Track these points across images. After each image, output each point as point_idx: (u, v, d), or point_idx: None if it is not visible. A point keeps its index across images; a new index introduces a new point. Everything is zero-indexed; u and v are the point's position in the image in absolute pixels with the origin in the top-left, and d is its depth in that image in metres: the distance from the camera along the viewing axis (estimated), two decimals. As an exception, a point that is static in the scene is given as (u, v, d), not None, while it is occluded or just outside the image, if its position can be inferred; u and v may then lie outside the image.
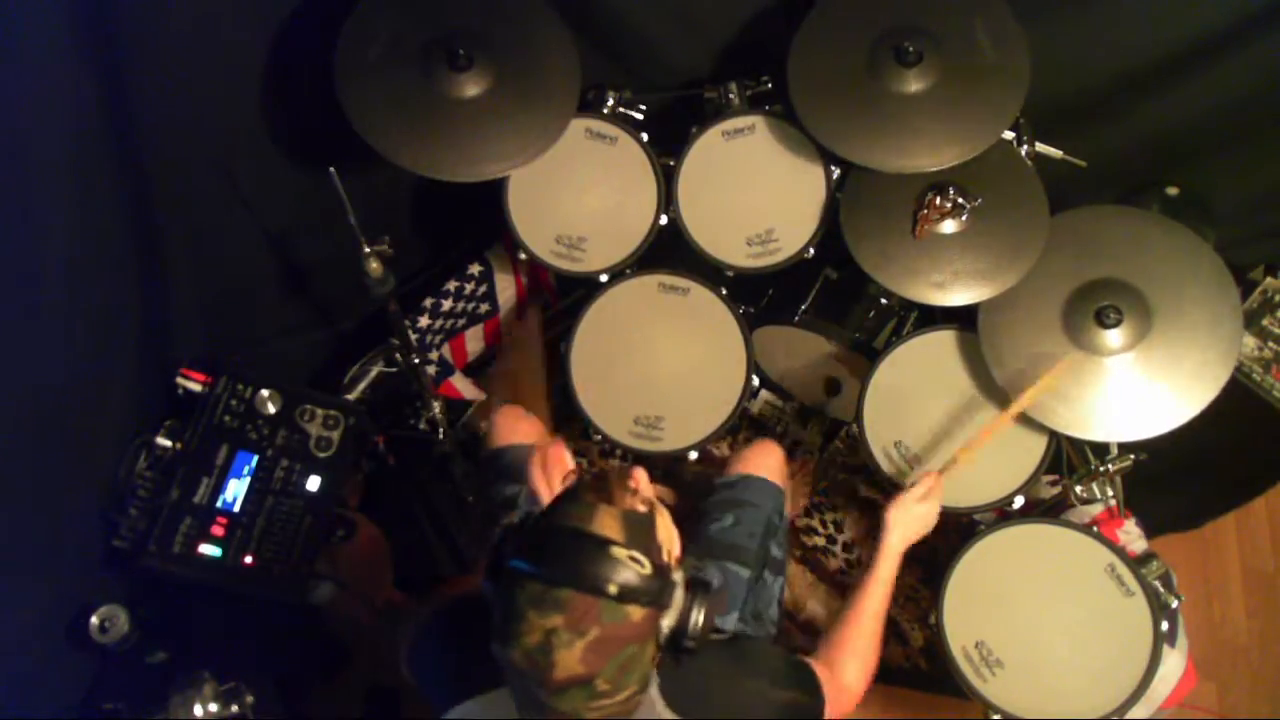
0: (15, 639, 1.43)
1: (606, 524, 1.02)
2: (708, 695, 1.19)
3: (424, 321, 2.27)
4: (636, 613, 0.99)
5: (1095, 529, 1.76)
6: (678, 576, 1.05)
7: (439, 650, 1.28)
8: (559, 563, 0.99)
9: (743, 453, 1.88)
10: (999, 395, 1.78)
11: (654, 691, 1.13)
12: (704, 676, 1.18)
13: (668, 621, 1.03)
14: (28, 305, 1.38)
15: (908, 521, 1.62)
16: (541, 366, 2.40)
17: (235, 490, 1.69)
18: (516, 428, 1.84)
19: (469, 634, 1.25)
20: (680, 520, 1.14)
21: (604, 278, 2.00)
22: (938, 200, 1.76)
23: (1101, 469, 1.75)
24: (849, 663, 1.47)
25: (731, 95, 1.98)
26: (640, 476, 1.15)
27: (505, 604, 1.01)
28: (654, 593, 1.01)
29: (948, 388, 1.87)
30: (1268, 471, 2.12)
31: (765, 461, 1.83)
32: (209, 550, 1.63)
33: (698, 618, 1.04)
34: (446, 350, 2.39)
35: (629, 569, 0.99)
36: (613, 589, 0.98)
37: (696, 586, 1.06)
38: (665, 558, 1.05)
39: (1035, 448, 1.82)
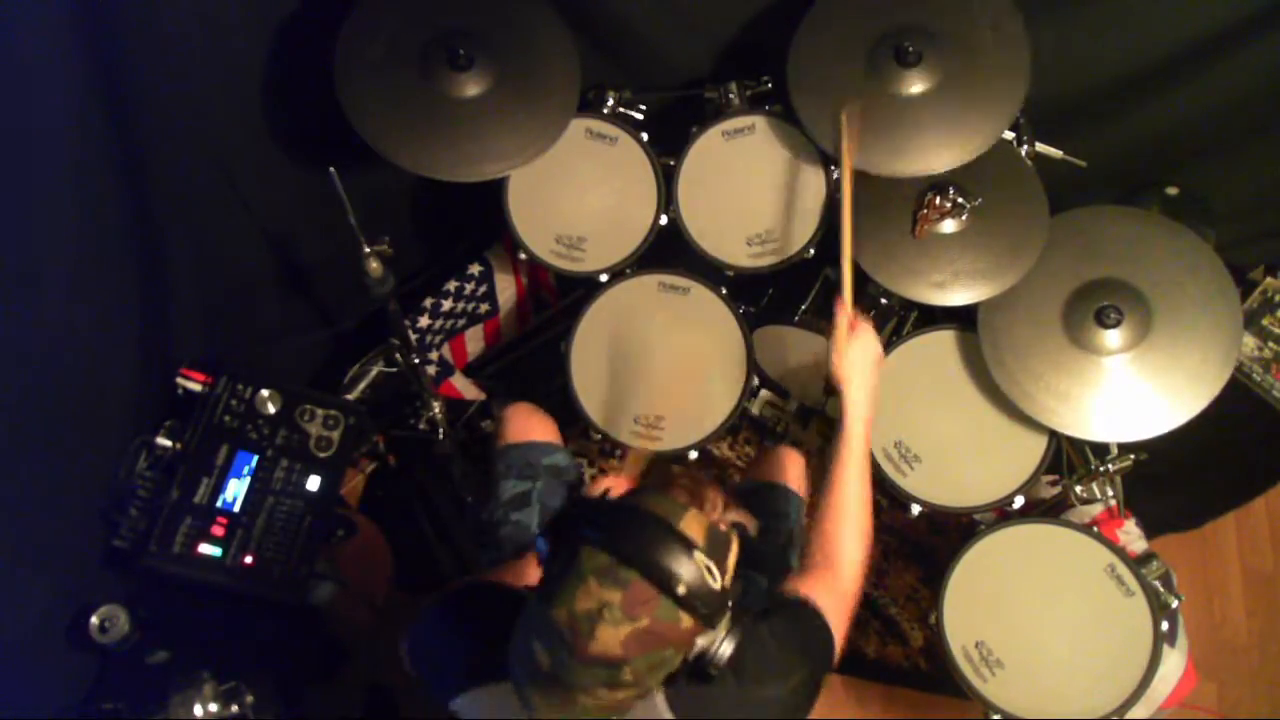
0: (15, 639, 1.43)
1: (693, 527, 1.02)
2: (717, 707, 1.17)
3: (424, 321, 2.27)
4: (687, 620, 0.99)
5: (1095, 529, 1.76)
6: (730, 603, 1.05)
7: (442, 640, 1.27)
8: (639, 544, 0.99)
9: (770, 459, 1.86)
10: (999, 395, 1.78)
11: (658, 695, 1.13)
12: (706, 686, 1.17)
13: (703, 642, 1.03)
14: (28, 305, 1.38)
15: (857, 366, 1.48)
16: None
17: (235, 490, 1.69)
18: (529, 425, 1.83)
19: (473, 624, 1.25)
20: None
21: (604, 278, 2.00)
22: (938, 200, 1.77)
23: (1101, 469, 1.75)
24: (845, 551, 1.38)
25: (731, 95, 1.98)
26: (721, 499, 1.14)
27: (567, 565, 0.99)
28: (712, 610, 1.00)
29: (948, 388, 1.87)
30: (1268, 471, 2.12)
31: (793, 470, 1.82)
32: (209, 550, 1.63)
33: (727, 648, 1.04)
34: (446, 350, 2.39)
35: (703, 579, 0.99)
36: (681, 589, 0.98)
37: (739, 616, 1.05)
38: (729, 582, 1.04)
39: (1035, 448, 1.82)
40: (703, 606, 0.99)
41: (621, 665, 0.97)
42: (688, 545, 1.00)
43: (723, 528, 1.06)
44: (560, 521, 1.07)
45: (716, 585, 1.00)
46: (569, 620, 0.97)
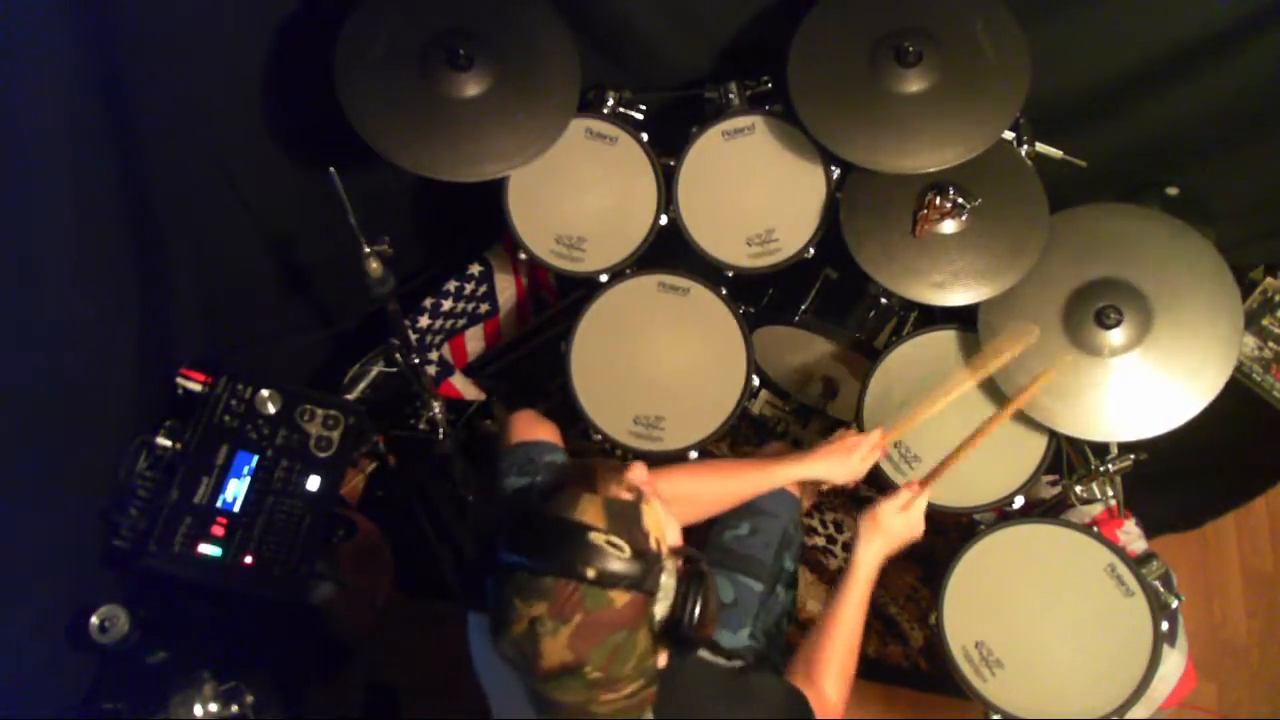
0: (15, 639, 1.43)
1: (588, 511, 1.04)
2: (698, 695, 1.18)
3: (424, 321, 2.27)
4: (620, 598, 1.00)
5: (1095, 529, 1.76)
6: (668, 564, 1.06)
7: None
8: (540, 551, 1.01)
9: (758, 458, 1.86)
10: (999, 395, 1.78)
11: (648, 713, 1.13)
12: (702, 702, 1.18)
13: (660, 609, 1.04)
14: (28, 305, 1.38)
15: (885, 534, 1.56)
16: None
17: (235, 490, 1.69)
18: (533, 428, 1.84)
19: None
20: (693, 526, 1.14)
21: (604, 278, 2.00)
22: (938, 200, 1.76)
23: (1101, 469, 1.75)
24: (829, 678, 1.43)
25: (731, 95, 1.98)
26: (636, 467, 1.16)
27: (497, 596, 1.02)
28: (636, 577, 1.01)
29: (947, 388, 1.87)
30: (1268, 471, 2.12)
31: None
32: (209, 550, 1.63)
33: (693, 606, 1.04)
34: (446, 350, 2.39)
35: (607, 554, 1.00)
36: (591, 573, 0.99)
37: (693, 575, 1.06)
38: (653, 544, 1.06)
39: (1035, 448, 1.82)
40: (624, 579, 1.00)
41: (582, 667, 0.98)
42: (583, 529, 1.01)
43: (626, 495, 1.07)
44: (486, 554, 1.09)
45: (626, 553, 1.01)
46: (514, 649, 1.00)
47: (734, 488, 1.58)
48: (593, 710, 1.02)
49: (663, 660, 1.08)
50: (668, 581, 1.05)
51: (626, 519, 1.05)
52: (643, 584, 1.02)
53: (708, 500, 1.55)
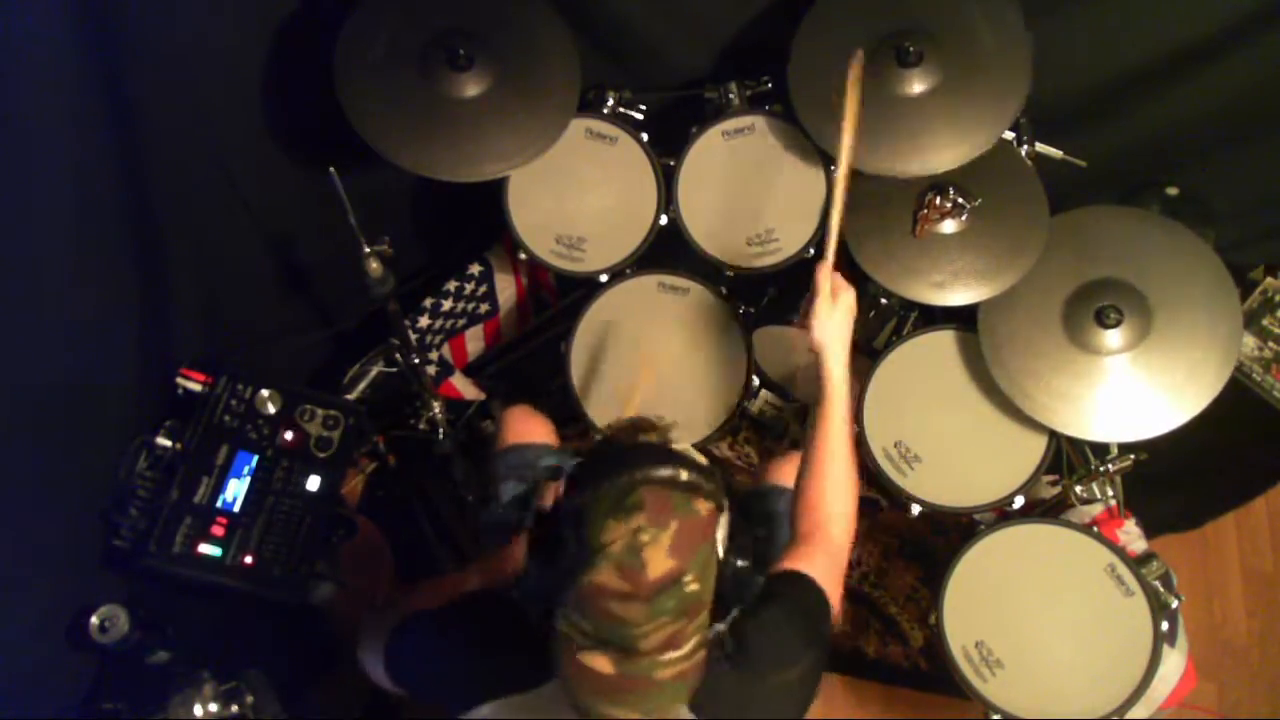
0: (15, 639, 1.43)
1: (653, 435, 1.10)
2: (735, 703, 1.18)
3: (424, 321, 2.27)
4: (703, 506, 1.03)
5: (1095, 529, 1.76)
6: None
7: (445, 655, 1.25)
8: (626, 470, 1.02)
9: (773, 463, 1.86)
10: (999, 395, 1.78)
11: (684, 712, 1.13)
12: (721, 683, 1.16)
13: (721, 533, 1.06)
14: (28, 305, 1.38)
15: (839, 333, 1.45)
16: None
17: (235, 490, 1.69)
18: (528, 427, 1.84)
19: (477, 636, 1.24)
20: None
21: (604, 278, 2.00)
22: (938, 200, 1.77)
23: (1101, 469, 1.75)
24: (833, 509, 1.38)
25: (731, 95, 1.98)
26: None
27: (581, 530, 1.02)
28: (713, 488, 1.05)
29: (948, 388, 1.87)
30: (1268, 471, 2.12)
31: (792, 471, 1.82)
32: (209, 550, 1.63)
33: (743, 545, 1.08)
34: (446, 350, 2.39)
35: (689, 461, 1.04)
36: (684, 475, 1.02)
37: (736, 522, 1.10)
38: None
39: (1035, 448, 1.82)
40: (705, 486, 1.04)
41: (682, 576, 0.99)
42: (660, 445, 1.07)
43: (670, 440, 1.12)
44: (551, 513, 1.09)
45: (703, 459, 1.07)
46: (618, 571, 0.98)
47: (845, 456, 1.45)
48: (656, 675, 1.01)
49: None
50: (724, 518, 1.07)
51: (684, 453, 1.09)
52: (717, 496, 1.05)
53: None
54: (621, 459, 1.05)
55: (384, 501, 2.40)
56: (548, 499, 1.34)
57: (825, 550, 1.35)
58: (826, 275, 1.47)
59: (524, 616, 1.11)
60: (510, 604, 1.26)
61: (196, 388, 1.74)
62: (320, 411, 1.79)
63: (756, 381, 1.98)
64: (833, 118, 1.51)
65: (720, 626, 1.07)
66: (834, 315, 1.46)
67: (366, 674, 1.37)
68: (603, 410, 1.96)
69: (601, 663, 1.01)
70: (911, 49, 1.72)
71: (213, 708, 1.47)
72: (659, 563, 0.98)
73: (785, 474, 1.80)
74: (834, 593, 1.30)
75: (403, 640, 1.30)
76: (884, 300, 2.09)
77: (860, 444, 1.88)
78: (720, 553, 1.06)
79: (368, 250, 1.58)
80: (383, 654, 1.31)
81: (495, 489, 1.76)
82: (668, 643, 1.00)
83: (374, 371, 2.04)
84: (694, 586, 1.00)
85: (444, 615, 1.30)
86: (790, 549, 1.37)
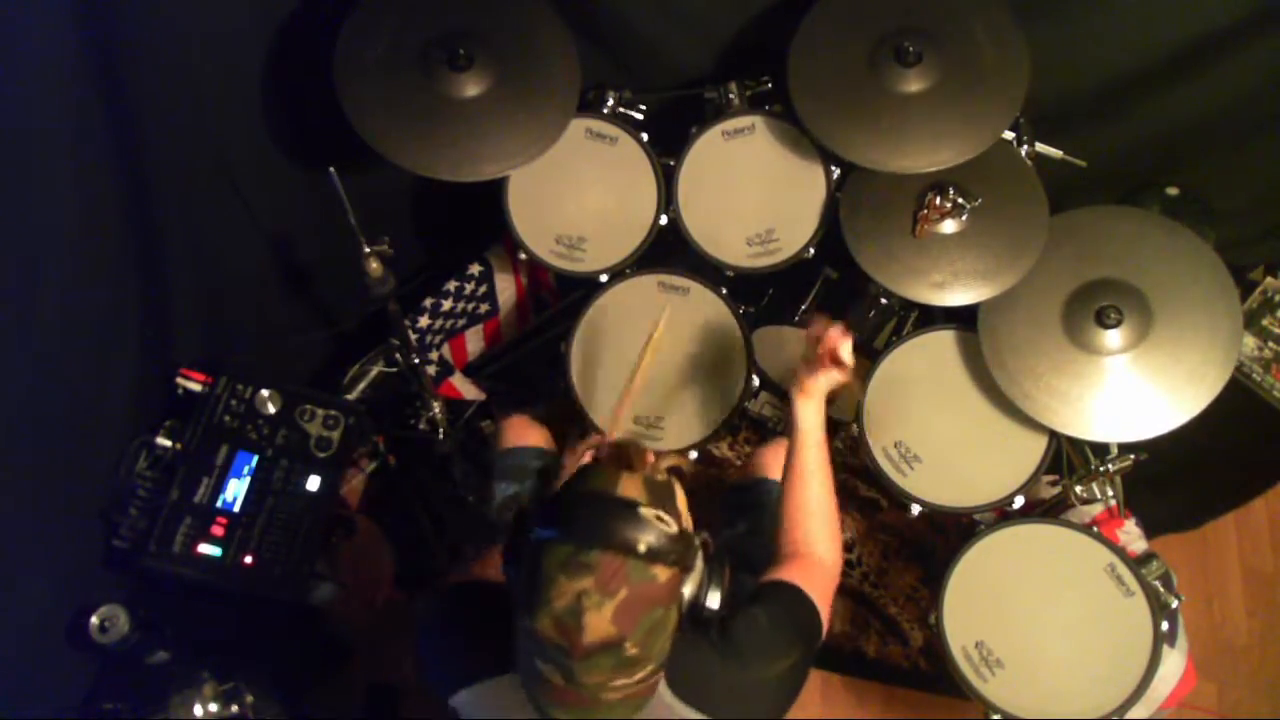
0: (15, 639, 1.43)
1: (630, 488, 1.05)
2: (718, 690, 1.19)
3: (424, 321, 2.27)
4: (663, 573, 1.01)
5: (1095, 529, 1.76)
6: (697, 542, 1.08)
7: (436, 640, 1.28)
8: (587, 526, 1.01)
9: (758, 455, 1.86)
10: (999, 395, 1.78)
11: (663, 688, 1.14)
12: (706, 668, 1.18)
13: (689, 589, 1.05)
14: (28, 305, 1.38)
15: (821, 385, 1.46)
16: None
17: (235, 490, 1.69)
18: (525, 433, 1.85)
19: (463, 623, 1.26)
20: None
21: (604, 278, 2.00)
22: (938, 200, 1.76)
23: (1101, 469, 1.75)
24: (817, 543, 1.40)
25: (731, 95, 1.98)
26: (650, 455, 1.18)
27: (532, 574, 1.01)
28: (679, 553, 1.03)
29: (948, 388, 1.87)
30: (1268, 471, 2.12)
31: (777, 463, 1.82)
32: (209, 550, 1.63)
33: (715, 591, 1.06)
34: (446, 350, 2.39)
35: (655, 528, 1.02)
36: (641, 547, 1.00)
37: (711, 559, 1.09)
38: (686, 524, 1.08)
39: (1035, 448, 1.82)
40: (670, 554, 1.02)
41: (622, 643, 0.98)
42: (632, 505, 1.02)
43: (659, 477, 1.09)
44: (514, 536, 1.08)
45: (673, 529, 1.03)
46: (555, 626, 0.99)
47: (822, 494, 1.47)
48: (603, 696, 1.02)
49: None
50: (698, 562, 1.06)
51: (666, 496, 1.07)
52: (683, 560, 1.04)
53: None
54: (588, 512, 1.03)
55: (384, 501, 2.40)
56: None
57: (812, 568, 1.36)
58: (848, 351, 1.47)
59: (498, 607, 1.11)
60: (487, 594, 1.28)
61: (196, 388, 1.74)
62: (320, 411, 1.79)
63: (756, 381, 1.98)
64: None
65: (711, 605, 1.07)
66: (827, 376, 1.47)
67: None
68: (603, 410, 1.96)
69: (551, 673, 1.02)
70: (911, 48, 1.72)
71: (213, 708, 1.47)
72: (598, 628, 0.97)
73: (771, 466, 1.81)
74: (823, 607, 1.30)
75: (421, 623, 1.32)
76: (884, 300, 2.09)
77: (860, 444, 1.89)
78: (687, 601, 1.05)
79: (368, 250, 1.58)
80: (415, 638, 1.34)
81: (490, 489, 1.77)
82: (609, 681, 1.01)
83: (374, 371, 2.04)
84: (634, 651, 0.99)
85: (434, 605, 1.31)
86: (778, 565, 1.37)
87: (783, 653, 1.23)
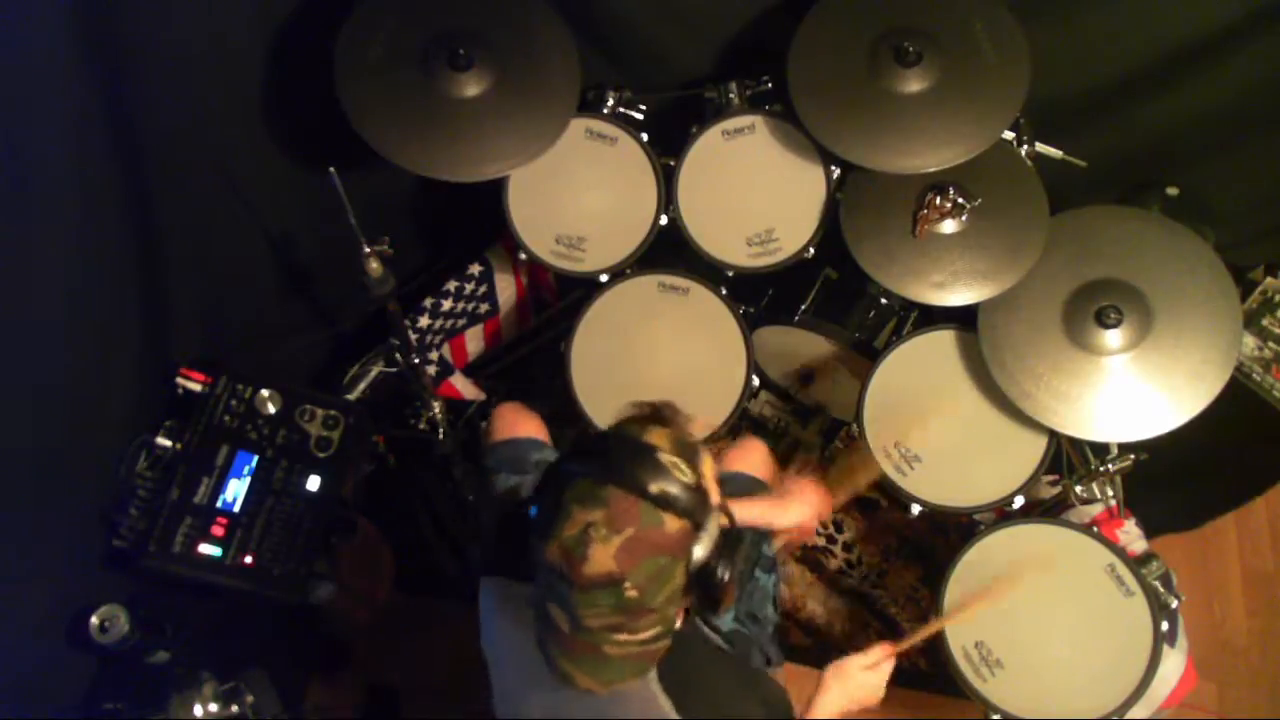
0: (15, 639, 1.43)
1: (657, 437, 1.07)
2: (711, 700, 1.19)
3: (424, 321, 2.26)
4: (673, 523, 1.02)
5: (1095, 529, 1.76)
6: (714, 503, 1.09)
7: (486, 523, 1.32)
8: (606, 462, 1.04)
9: (726, 451, 1.87)
10: (999, 395, 1.78)
11: (656, 688, 1.14)
12: (707, 677, 1.19)
13: (700, 552, 1.06)
14: (28, 305, 1.38)
15: (846, 689, 1.46)
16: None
17: (235, 490, 1.69)
18: (518, 423, 1.84)
19: (502, 522, 1.32)
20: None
21: (604, 278, 2.00)
22: (938, 200, 1.77)
23: (1101, 469, 1.75)
24: None
25: (731, 95, 1.98)
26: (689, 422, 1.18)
27: (551, 502, 1.05)
28: (691, 507, 1.04)
29: (948, 388, 1.87)
30: (1268, 471, 2.12)
31: (749, 458, 1.81)
32: (209, 550, 1.63)
33: (727, 561, 1.08)
34: (446, 350, 2.39)
35: (671, 475, 1.03)
36: (654, 489, 1.02)
37: (729, 535, 1.10)
38: (706, 485, 1.08)
39: (1035, 448, 1.82)
40: (680, 504, 1.03)
41: (621, 581, 1.00)
42: (652, 449, 1.05)
43: (691, 438, 1.11)
44: (544, 475, 1.12)
45: (688, 478, 1.05)
46: (561, 552, 1.01)
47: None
48: (606, 649, 1.03)
49: (680, 618, 1.10)
50: (713, 528, 1.07)
51: (690, 453, 1.08)
52: (694, 515, 1.05)
53: None
54: (610, 447, 1.07)
55: (384, 501, 2.40)
56: None
57: None
58: (886, 652, 1.47)
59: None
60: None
61: (196, 388, 1.74)
62: (320, 411, 1.79)
63: (756, 381, 1.98)
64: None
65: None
66: (857, 678, 1.46)
67: None
68: (603, 410, 1.96)
69: (561, 619, 1.04)
70: (910, 49, 1.72)
71: (213, 708, 1.47)
72: (600, 561, 0.99)
73: (737, 460, 1.80)
74: None
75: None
76: (884, 300, 2.09)
77: (861, 444, 1.88)
78: (700, 557, 1.06)
79: (368, 250, 1.58)
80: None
81: (487, 483, 1.77)
82: (611, 628, 1.02)
83: (374, 371, 2.04)
84: (633, 593, 1.00)
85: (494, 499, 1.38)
86: None
87: (770, 708, 1.26)
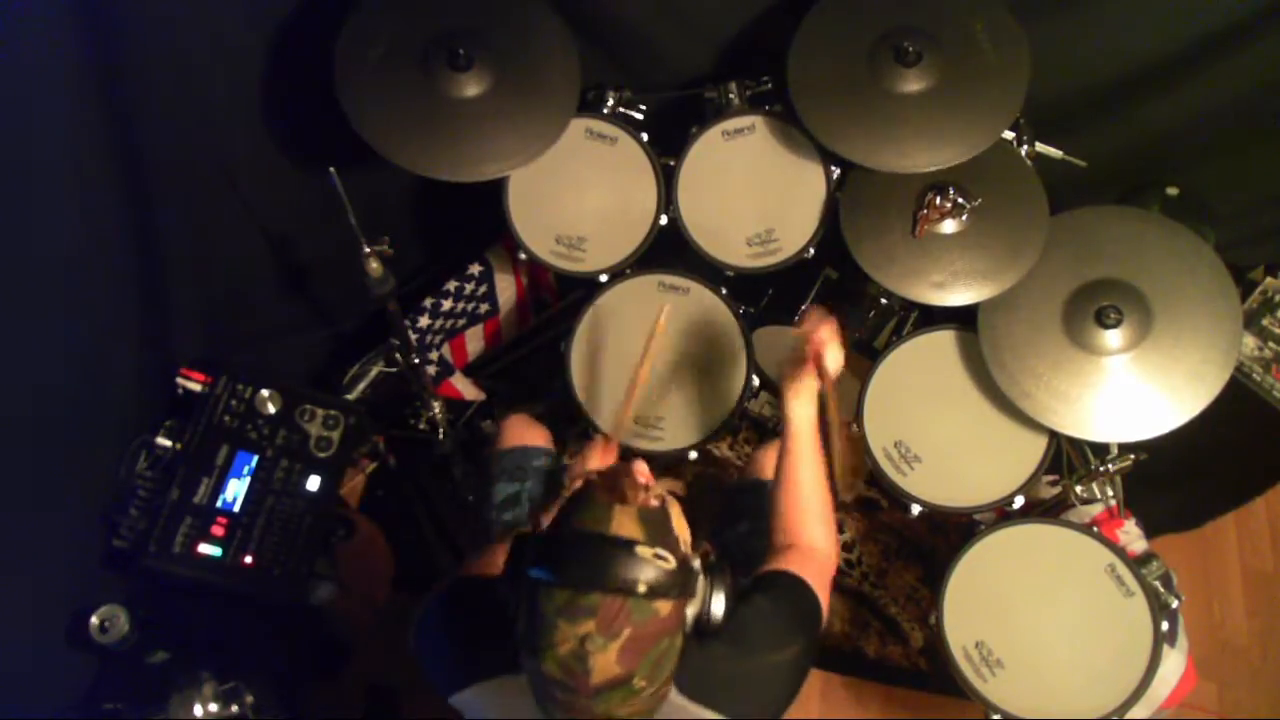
0: (16, 639, 1.43)
1: (625, 525, 1.03)
2: (724, 682, 1.19)
3: (424, 321, 2.27)
4: (665, 607, 1.01)
5: (1095, 529, 1.76)
6: (696, 564, 1.07)
7: (436, 638, 1.28)
8: (585, 569, 1.00)
9: (758, 456, 1.86)
10: (999, 395, 1.78)
11: (683, 700, 1.14)
12: (712, 661, 1.18)
13: (692, 610, 1.06)
14: (28, 305, 1.38)
15: (810, 386, 1.47)
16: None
17: (235, 490, 1.69)
18: (525, 433, 1.85)
19: (464, 622, 1.26)
20: (690, 524, 1.14)
21: (604, 278, 2.00)
22: (938, 200, 1.77)
23: (1101, 469, 1.75)
24: (811, 530, 1.41)
25: (731, 95, 1.98)
26: (642, 468, 1.15)
27: (532, 616, 1.01)
28: (681, 583, 1.03)
29: (948, 388, 1.87)
30: (1268, 471, 2.12)
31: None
32: (209, 550, 1.63)
33: (719, 600, 1.07)
34: (446, 350, 2.39)
35: (654, 566, 1.00)
36: (641, 587, 0.99)
37: (713, 569, 1.09)
38: (683, 548, 1.07)
39: (1035, 448, 1.82)
40: (670, 588, 1.01)
41: (630, 678, 0.99)
42: (628, 545, 1.01)
43: (654, 503, 1.07)
44: (511, 567, 1.08)
45: (671, 564, 1.02)
46: (561, 670, 0.99)
47: (815, 484, 1.49)
48: (616, 714, 1.02)
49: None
50: (700, 582, 1.07)
51: (661, 527, 1.05)
52: (683, 589, 1.03)
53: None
54: (584, 555, 1.02)
55: (384, 501, 2.41)
56: (548, 516, 1.35)
57: (808, 558, 1.36)
58: (834, 356, 1.48)
59: (505, 606, 1.11)
60: (494, 591, 1.27)
61: (196, 388, 1.74)
62: (320, 411, 1.79)
63: (756, 381, 1.98)
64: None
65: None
66: (812, 376, 1.47)
67: None
68: (602, 410, 1.96)
69: (562, 697, 1.02)
70: (910, 48, 1.72)
71: (213, 708, 1.47)
72: (604, 669, 0.98)
73: (770, 467, 1.80)
74: (822, 595, 1.31)
75: (415, 630, 1.32)
76: (884, 300, 2.09)
77: (860, 444, 1.89)
78: (694, 614, 1.06)
79: (368, 250, 1.58)
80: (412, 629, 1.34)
81: (489, 489, 1.77)
82: (620, 709, 1.01)
83: (374, 371, 2.04)
84: (642, 684, 1.00)
85: (435, 603, 1.31)
86: (774, 556, 1.38)
87: (786, 640, 1.24)
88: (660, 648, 1.01)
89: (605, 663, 0.97)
